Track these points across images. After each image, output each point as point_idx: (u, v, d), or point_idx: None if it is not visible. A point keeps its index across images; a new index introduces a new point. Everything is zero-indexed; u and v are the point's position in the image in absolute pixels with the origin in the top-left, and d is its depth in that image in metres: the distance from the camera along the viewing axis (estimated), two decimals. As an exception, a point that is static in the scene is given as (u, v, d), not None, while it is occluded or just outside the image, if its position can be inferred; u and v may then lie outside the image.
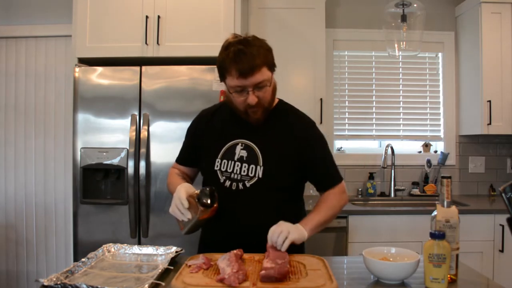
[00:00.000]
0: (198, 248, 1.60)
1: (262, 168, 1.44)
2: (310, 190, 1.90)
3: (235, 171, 1.45)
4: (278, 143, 1.47)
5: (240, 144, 1.47)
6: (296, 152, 1.47)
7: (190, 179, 1.66)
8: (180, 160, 1.66)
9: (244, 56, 1.32)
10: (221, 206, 1.39)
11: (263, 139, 1.47)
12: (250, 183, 1.43)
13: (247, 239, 1.27)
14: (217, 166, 1.48)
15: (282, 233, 1.26)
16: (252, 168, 1.44)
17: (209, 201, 1.34)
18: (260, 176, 1.43)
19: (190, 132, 1.64)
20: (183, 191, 1.36)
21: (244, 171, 1.44)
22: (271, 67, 1.42)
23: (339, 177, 1.54)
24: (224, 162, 1.47)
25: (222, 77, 1.41)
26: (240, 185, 1.44)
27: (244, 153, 1.46)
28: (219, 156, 1.48)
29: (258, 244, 1.31)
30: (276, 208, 1.45)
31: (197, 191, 1.36)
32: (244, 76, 1.33)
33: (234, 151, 1.47)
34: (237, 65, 1.32)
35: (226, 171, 1.46)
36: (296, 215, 1.46)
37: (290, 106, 1.58)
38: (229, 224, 1.44)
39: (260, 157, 1.45)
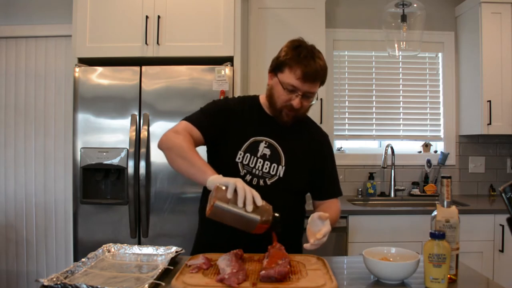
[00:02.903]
0: (195, 242, 1.58)
1: (284, 168, 1.48)
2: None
3: (257, 167, 1.47)
4: (299, 148, 1.53)
5: (264, 142, 1.50)
6: (314, 159, 1.55)
7: None
8: (199, 124, 1.47)
9: (314, 63, 1.40)
10: None
11: (287, 141, 1.52)
12: (271, 181, 1.47)
13: (257, 235, 1.24)
14: (239, 158, 1.48)
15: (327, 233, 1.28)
16: (274, 166, 1.47)
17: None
18: (281, 175, 1.47)
19: (221, 108, 1.53)
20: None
21: (266, 168, 1.47)
22: (321, 85, 1.50)
23: (341, 190, 1.63)
24: (247, 156, 1.48)
25: (278, 70, 1.44)
26: (261, 182, 1.46)
27: (267, 151, 1.49)
28: (242, 149, 1.49)
29: (266, 241, 1.28)
30: (289, 209, 1.47)
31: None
32: (304, 80, 1.40)
33: (258, 148, 1.49)
34: (305, 67, 1.39)
35: (247, 165, 1.47)
36: (301, 218, 1.58)
37: (307, 116, 1.65)
38: None
39: (283, 157, 1.49)
